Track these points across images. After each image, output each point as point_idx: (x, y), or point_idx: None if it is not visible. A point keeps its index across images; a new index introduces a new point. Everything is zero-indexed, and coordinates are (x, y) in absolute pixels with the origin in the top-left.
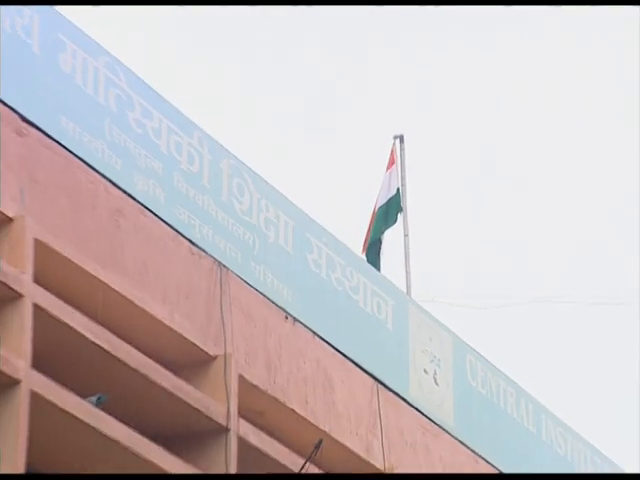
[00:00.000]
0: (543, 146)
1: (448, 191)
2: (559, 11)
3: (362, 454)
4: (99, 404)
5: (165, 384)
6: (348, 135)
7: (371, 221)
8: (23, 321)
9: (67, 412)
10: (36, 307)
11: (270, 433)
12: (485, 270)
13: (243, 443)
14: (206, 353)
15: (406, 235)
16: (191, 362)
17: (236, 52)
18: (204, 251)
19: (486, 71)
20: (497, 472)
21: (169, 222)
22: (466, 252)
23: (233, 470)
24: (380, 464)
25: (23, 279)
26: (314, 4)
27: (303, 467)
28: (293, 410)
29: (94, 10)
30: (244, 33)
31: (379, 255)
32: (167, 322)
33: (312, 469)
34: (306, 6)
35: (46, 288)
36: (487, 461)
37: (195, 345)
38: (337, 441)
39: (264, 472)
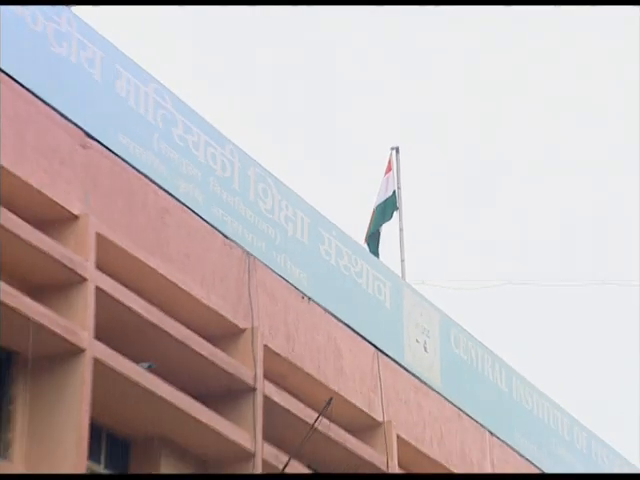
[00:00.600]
0: (530, 141)
1: (437, 193)
2: (558, 15)
3: (365, 409)
4: (150, 369)
5: (204, 352)
6: (353, 146)
7: (371, 217)
8: (87, 300)
9: (124, 375)
10: (97, 289)
11: (290, 392)
12: (467, 258)
13: (268, 400)
14: (237, 326)
15: (401, 229)
16: (225, 334)
17: (236, 53)
18: (235, 243)
19: (474, 80)
20: (476, 424)
21: (206, 219)
22: (452, 243)
23: (260, 423)
24: (380, 417)
25: (87, 266)
26: (314, 4)
27: (316, 420)
28: (308, 374)
29: (109, 10)
30: (243, 34)
31: (378, 245)
32: (205, 301)
33: (324, 422)
34: (306, 6)
35: (106, 273)
36: (469, 415)
37: (228, 320)
38: (345, 399)
39: (285, 425)
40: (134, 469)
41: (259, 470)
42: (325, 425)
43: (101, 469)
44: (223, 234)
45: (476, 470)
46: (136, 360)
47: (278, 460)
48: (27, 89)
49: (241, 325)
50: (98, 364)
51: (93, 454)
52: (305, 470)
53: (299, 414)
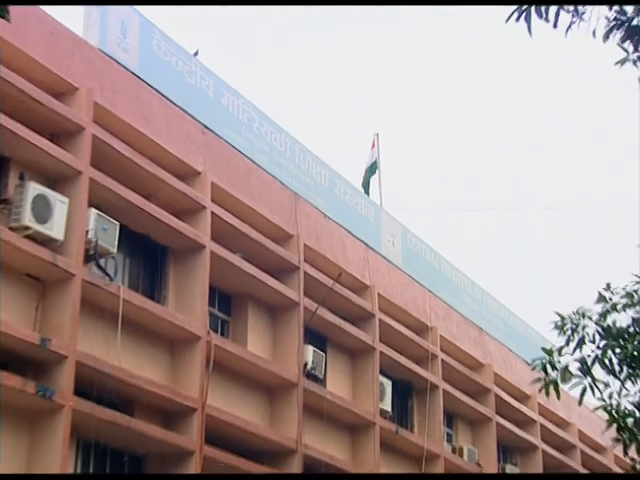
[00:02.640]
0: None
1: (405, 162)
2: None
3: (359, 278)
4: (242, 257)
5: (271, 248)
6: (353, 132)
7: (364, 174)
8: (206, 219)
9: (227, 260)
10: (212, 213)
11: (318, 269)
12: (419, 196)
13: (306, 274)
14: (288, 233)
15: (380, 180)
16: (282, 237)
17: (236, 52)
18: (287, 187)
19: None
20: (421, 286)
21: (272, 173)
22: (411, 188)
23: (302, 285)
24: (368, 282)
25: (206, 200)
26: (314, 4)
27: (332, 285)
28: (328, 259)
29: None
30: (244, 33)
31: (369, 190)
32: (271, 219)
33: (337, 286)
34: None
35: (217, 204)
36: (417, 281)
37: (283, 229)
38: (348, 272)
39: (316, 287)
40: (233, 313)
41: (302, 313)
42: (338, 288)
43: (216, 311)
44: (280, 182)
45: (420, 309)
46: (233, 251)
47: (312, 306)
48: (172, 102)
49: (291, 232)
50: (213, 255)
51: (211, 302)
52: (328, 313)
53: (323, 281)
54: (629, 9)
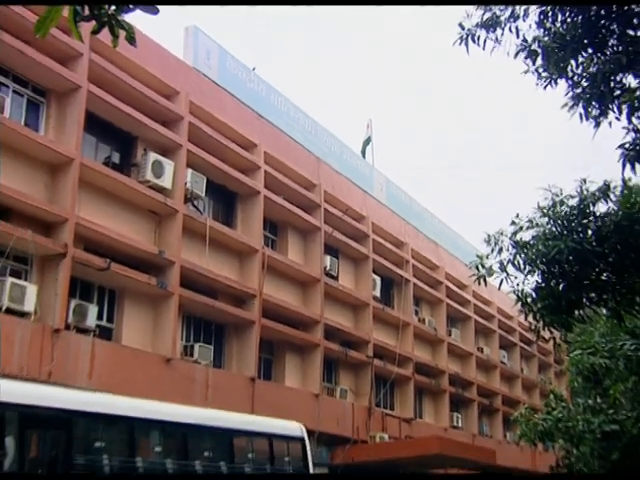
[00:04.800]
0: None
1: (391, 138)
2: None
3: (359, 211)
4: (284, 198)
5: (304, 192)
6: (356, 116)
7: (362, 144)
8: (261, 174)
9: (274, 201)
10: (265, 171)
11: (332, 205)
12: (401, 158)
13: (326, 210)
14: (313, 183)
15: (372, 149)
16: (310, 185)
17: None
18: (313, 154)
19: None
20: (399, 217)
21: (304, 146)
22: (394, 153)
23: (322, 217)
24: (365, 214)
25: (260, 162)
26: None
27: (342, 216)
28: (339, 199)
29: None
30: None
31: (365, 155)
32: (303, 174)
33: (345, 217)
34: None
35: (268, 165)
36: (396, 213)
37: (310, 180)
38: (352, 208)
39: (332, 218)
40: (278, 234)
41: (322, 235)
42: (345, 218)
43: (267, 233)
44: (308, 150)
45: (398, 231)
46: (279, 195)
47: (329, 230)
48: (239, 100)
49: (315, 182)
50: (266, 197)
51: (264, 228)
52: (339, 234)
53: (336, 214)
54: (529, 37)
